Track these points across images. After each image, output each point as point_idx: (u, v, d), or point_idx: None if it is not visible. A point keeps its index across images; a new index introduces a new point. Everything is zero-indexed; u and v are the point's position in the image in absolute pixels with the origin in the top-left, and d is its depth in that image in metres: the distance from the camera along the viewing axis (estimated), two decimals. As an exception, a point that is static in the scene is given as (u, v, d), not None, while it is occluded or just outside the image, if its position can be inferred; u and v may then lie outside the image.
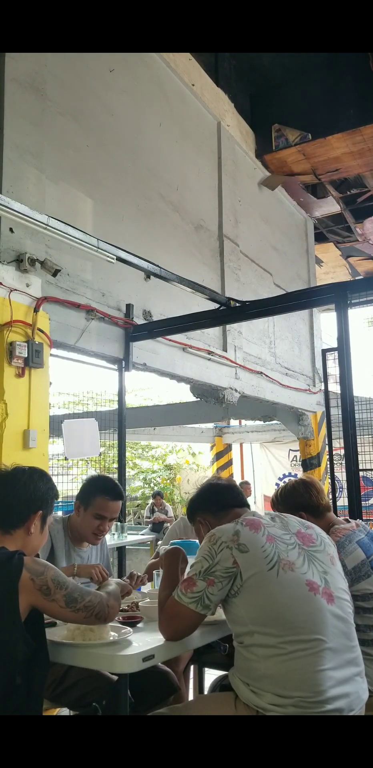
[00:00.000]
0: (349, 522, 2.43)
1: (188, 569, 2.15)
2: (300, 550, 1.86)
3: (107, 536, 4.91)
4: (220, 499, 2.10)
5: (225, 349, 6.04)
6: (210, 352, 5.71)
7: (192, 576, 1.84)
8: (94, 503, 2.69)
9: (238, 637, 1.83)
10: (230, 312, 4.54)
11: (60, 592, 1.74)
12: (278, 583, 1.76)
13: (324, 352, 7.04)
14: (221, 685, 2.16)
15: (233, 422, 11.88)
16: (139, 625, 2.14)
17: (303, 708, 1.67)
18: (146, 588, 2.82)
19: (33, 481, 1.94)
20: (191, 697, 2.95)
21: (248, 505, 2.13)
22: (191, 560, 2.41)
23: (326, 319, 9.26)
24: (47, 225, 3.25)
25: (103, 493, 2.71)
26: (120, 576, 4.39)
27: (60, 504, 5.37)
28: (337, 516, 2.54)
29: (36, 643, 1.73)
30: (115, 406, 4.85)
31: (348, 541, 2.23)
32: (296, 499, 2.41)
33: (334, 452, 6.10)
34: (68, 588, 1.77)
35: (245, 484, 10.68)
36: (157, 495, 11.12)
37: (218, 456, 12.61)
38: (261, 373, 6.70)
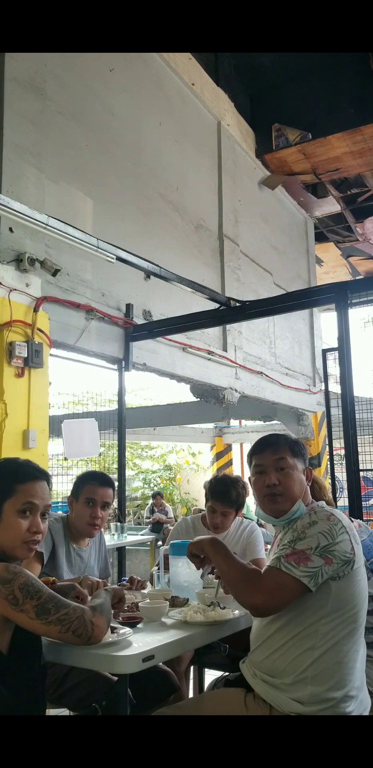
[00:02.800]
0: (352, 521, 2.43)
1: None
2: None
3: (107, 536, 4.93)
4: None
5: (225, 349, 6.04)
6: (210, 352, 5.71)
7: (305, 550, 1.73)
8: (82, 491, 2.73)
9: (301, 621, 1.76)
10: (230, 312, 4.54)
11: (30, 602, 1.59)
12: (363, 578, 1.80)
13: (324, 352, 7.04)
14: (226, 680, 2.14)
15: (233, 422, 11.88)
16: (139, 625, 2.14)
17: (331, 709, 1.68)
18: (146, 588, 2.82)
19: None
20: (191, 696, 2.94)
21: None
22: (187, 560, 2.41)
23: (326, 319, 9.26)
24: (47, 225, 3.25)
25: (89, 480, 2.77)
26: (120, 576, 4.39)
27: (60, 504, 5.37)
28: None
29: (22, 652, 1.66)
30: (115, 406, 4.86)
31: None
32: None
33: (334, 452, 6.10)
34: (41, 598, 1.61)
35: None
36: (157, 495, 11.11)
37: (218, 456, 12.61)
38: (261, 373, 6.70)
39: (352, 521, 2.42)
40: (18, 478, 1.76)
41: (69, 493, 2.83)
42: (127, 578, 2.85)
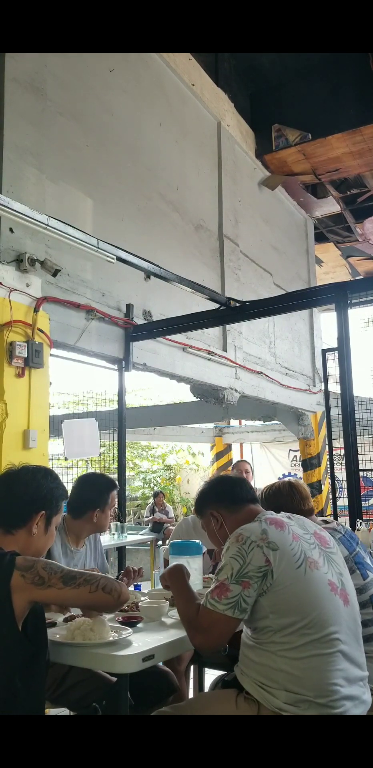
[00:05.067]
0: (328, 523, 2.43)
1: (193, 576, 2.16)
2: (320, 551, 1.87)
3: (107, 536, 4.94)
4: (233, 493, 2.06)
5: (225, 349, 6.04)
6: (210, 352, 5.71)
7: (223, 581, 1.76)
8: (109, 501, 2.87)
9: (255, 633, 1.79)
10: (230, 312, 4.54)
11: (55, 576, 1.68)
12: (305, 581, 1.75)
13: (324, 352, 7.05)
14: (223, 681, 2.15)
15: (233, 422, 11.88)
16: (139, 625, 2.14)
17: (314, 709, 1.67)
18: (146, 588, 2.82)
19: (35, 480, 1.88)
20: (191, 696, 2.95)
21: (258, 501, 2.11)
22: (190, 559, 2.42)
23: (326, 319, 9.26)
24: (47, 225, 3.25)
25: (112, 488, 2.92)
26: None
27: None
28: (327, 518, 2.52)
29: (35, 644, 1.70)
30: (115, 406, 4.86)
31: None
32: (277, 500, 2.40)
33: (334, 452, 6.10)
34: (64, 570, 1.72)
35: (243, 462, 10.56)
36: (158, 494, 11.10)
37: (218, 456, 12.60)
38: (261, 373, 6.70)
39: (329, 522, 2.41)
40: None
41: (87, 504, 2.83)
42: (123, 572, 2.90)
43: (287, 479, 2.56)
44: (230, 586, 1.74)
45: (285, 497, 2.39)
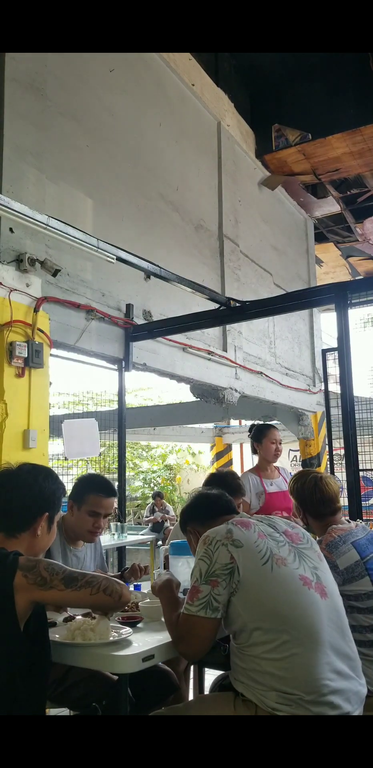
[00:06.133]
0: (349, 522, 2.43)
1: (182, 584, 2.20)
2: (290, 547, 1.89)
3: (107, 536, 4.94)
4: (208, 509, 2.13)
5: (225, 349, 6.04)
6: (210, 352, 5.71)
7: (194, 584, 1.82)
8: (87, 501, 2.69)
9: (236, 638, 1.81)
10: (230, 312, 4.54)
11: (57, 577, 1.70)
12: (273, 578, 1.77)
13: (324, 352, 7.05)
14: (220, 685, 2.15)
15: (233, 422, 11.89)
16: (139, 625, 2.14)
17: (304, 706, 1.67)
18: (146, 588, 2.82)
19: (37, 482, 1.89)
20: (191, 697, 2.95)
21: (236, 512, 2.15)
22: (190, 559, 2.42)
23: (326, 319, 9.26)
24: (47, 225, 3.25)
25: (96, 491, 2.71)
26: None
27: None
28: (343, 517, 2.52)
29: (37, 645, 1.71)
30: (115, 406, 4.86)
31: (342, 541, 2.23)
32: (300, 494, 2.44)
33: (334, 452, 6.10)
34: (65, 572, 1.73)
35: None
36: (157, 496, 11.11)
37: (218, 456, 12.61)
38: (261, 373, 6.70)
39: (349, 522, 2.42)
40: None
41: (69, 494, 2.80)
42: (127, 567, 2.86)
43: (315, 473, 2.52)
44: (199, 587, 1.80)
45: (306, 495, 2.44)
